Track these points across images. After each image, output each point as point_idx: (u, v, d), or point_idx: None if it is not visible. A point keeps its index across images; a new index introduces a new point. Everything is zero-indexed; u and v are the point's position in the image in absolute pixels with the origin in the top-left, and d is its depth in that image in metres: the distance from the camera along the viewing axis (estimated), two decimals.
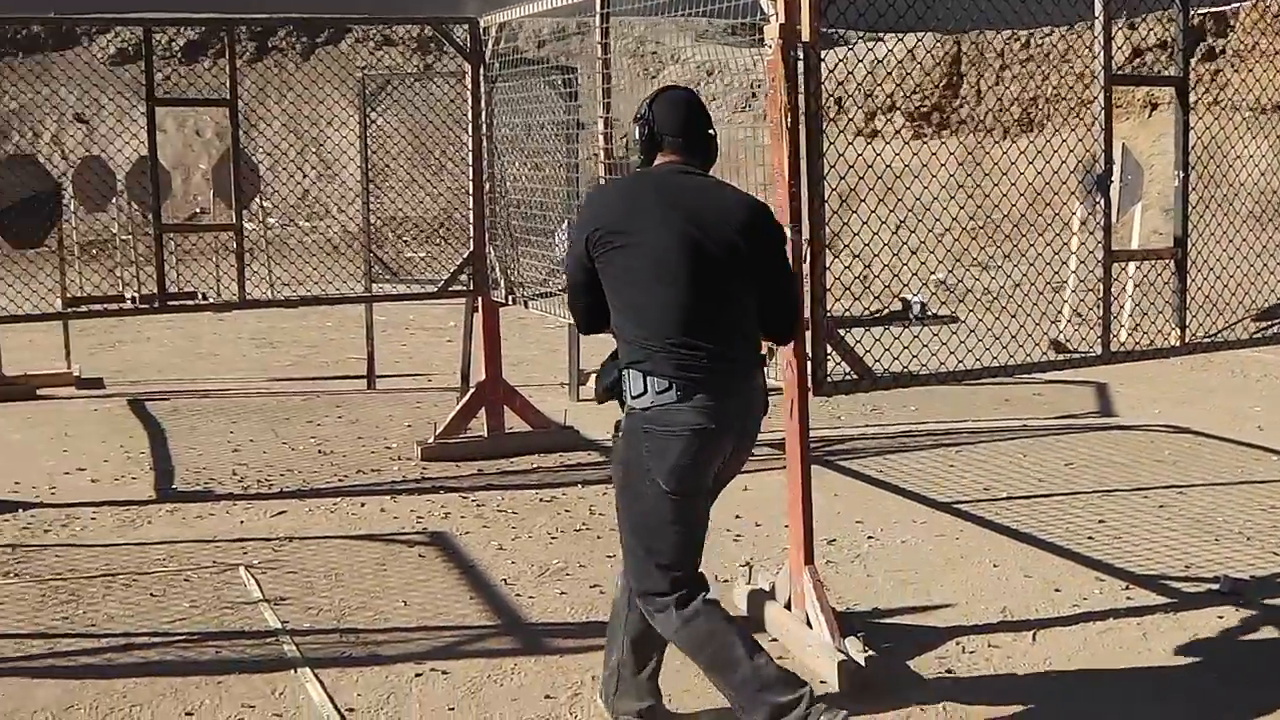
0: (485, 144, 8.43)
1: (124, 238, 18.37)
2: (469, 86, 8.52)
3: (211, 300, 8.68)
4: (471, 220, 8.54)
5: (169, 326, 14.43)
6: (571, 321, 5.44)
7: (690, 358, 4.31)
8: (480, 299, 8.67)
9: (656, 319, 4.34)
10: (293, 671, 5.24)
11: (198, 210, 22.86)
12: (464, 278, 8.61)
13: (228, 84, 8.02)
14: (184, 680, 5.19)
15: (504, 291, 8.44)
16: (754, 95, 24.88)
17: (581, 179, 8.25)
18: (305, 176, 23.30)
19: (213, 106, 8.51)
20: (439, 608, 5.97)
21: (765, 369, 4.72)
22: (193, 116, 24.38)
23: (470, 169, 8.55)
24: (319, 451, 8.84)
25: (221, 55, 25.60)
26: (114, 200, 16.22)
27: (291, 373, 11.95)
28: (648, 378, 4.34)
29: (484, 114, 8.41)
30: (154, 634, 5.73)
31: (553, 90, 8.49)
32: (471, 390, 8.79)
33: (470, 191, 8.56)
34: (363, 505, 7.57)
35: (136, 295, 16.35)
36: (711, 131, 4.67)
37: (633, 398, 4.40)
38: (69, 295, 12.57)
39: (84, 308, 11.59)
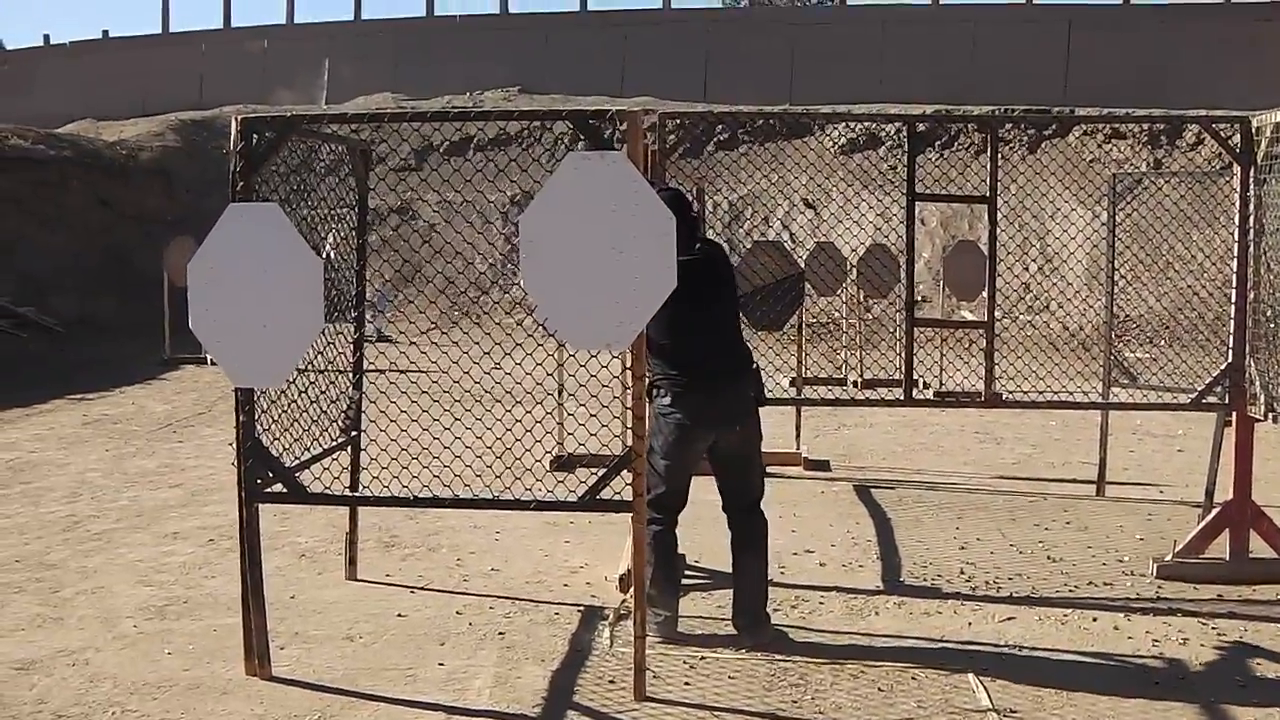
0: (1252, 249, 7.90)
1: (851, 322, 18.93)
2: (1237, 188, 8.02)
3: (959, 396, 8.51)
4: (1232, 329, 8.01)
5: (891, 413, 14.59)
6: None
7: (683, 381, 6.66)
8: (1234, 414, 8.12)
9: (667, 357, 6.65)
10: None
11: (919, 299, 23.19)
12: (1218, 389, 8.09)
13: (960, 174, 7.96)
14: None
15: (1263, 408, 7.87)
16: None
17: None
18: (1027, 270, 23.17)
19: (972, 203, 8.43)
20: None
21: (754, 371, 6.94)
22: (920, 206, 24.72)
23: (1234, 275, 8.02)
24: (1048, 558, 8.56)
25: (948, 147, 26.21)
26: (842, 285, 16.75)
27: (1015, 471, 11.71)
28: (659, 392, 6.71)
29: (1252, 217, 7.89)
30: None
31: None
32: (1217, 509, 8.24)
33: (1233, 299, 8.03)
34: (1094, 620, 7.23)
35: (859, 379, 16.87)
36: (694, 214, 7.09)
37: (654, 400, 6.74)
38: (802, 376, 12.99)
39: (817, 391, 11.88)
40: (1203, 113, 8.64)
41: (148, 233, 24.27)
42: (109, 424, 14.23)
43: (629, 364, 5.97)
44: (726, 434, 6.82)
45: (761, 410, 7.02)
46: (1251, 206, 7.95)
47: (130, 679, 6.24)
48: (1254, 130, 8.00)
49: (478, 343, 6.61)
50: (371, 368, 7.88)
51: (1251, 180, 7.96)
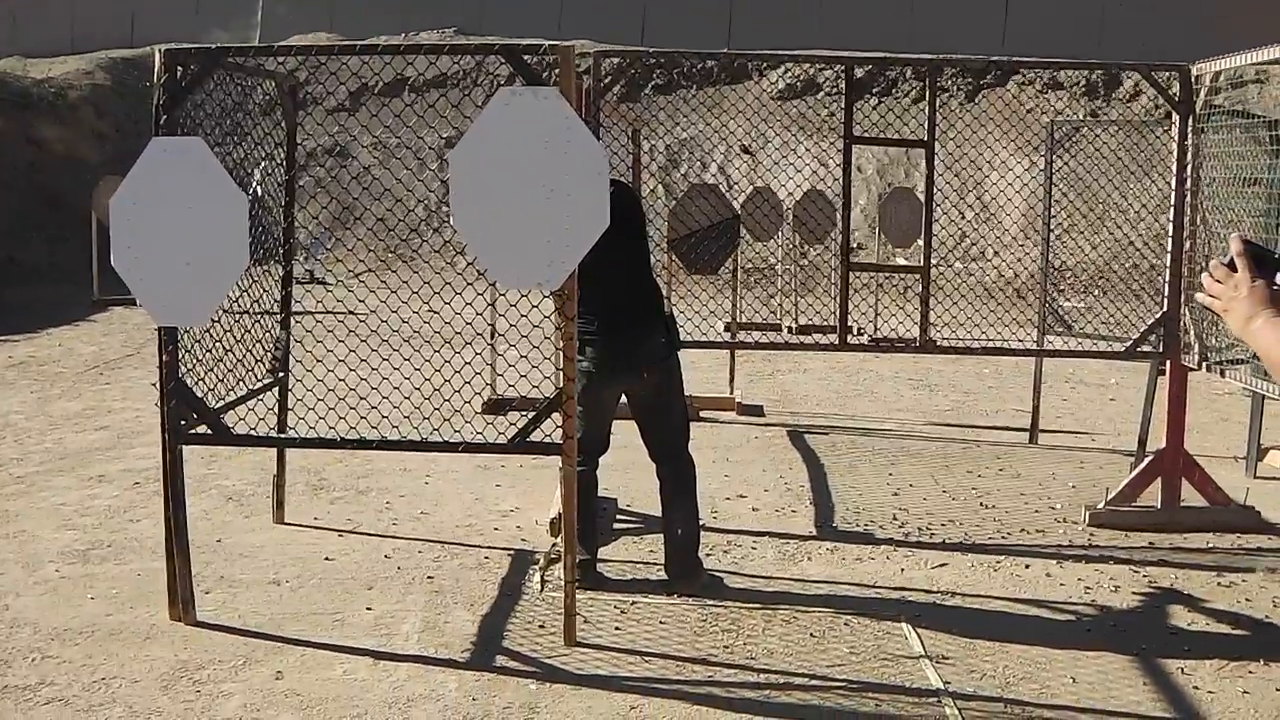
0: (1188, 199, 7.88)
1: (786, 267, 18.89)
2: (1175, 137, 8.00)
3: (893, 342, 8.46)
4: (1167, 279, 8.00)
5: (825, 360, 14.57)
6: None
7: (590, 329, 6.45)
8: (1169, 363, 8.12)
9: (583, 304, 6.17)
10: None
11: (855, 246, 23.17)
12: (1152, 338, 8.08)
13: (898, 122, 7.88)
14: None
15: (1197, 357, 7.88)
16: None
17: None
18: (964, 218, 23.17)
19: (910, 147, 8.30)
20: (1109, 690, 5.58)
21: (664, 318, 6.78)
22: (857, 154, 24.60)
23: (1170, 224, 8.00)
24: (981, 504, 8.56)
25: (886, 94, 26.15)
26: (778, 230, 16.69)
27: (949, 418, 11.70)
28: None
29: (1189, 167, 7.87)
30: (812, 676, 5.67)
31: (1256, 145, 7.86)
32: (1149, 458, 8.26)
33: (1169, 249, 8.01)
34: (1027, 567, 7.24)
35: (794, 325, 16.83)
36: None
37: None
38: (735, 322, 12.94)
39: (751, 336, 11.82)
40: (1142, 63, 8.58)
41: (76, 173, 23.84)
42: (34, 366, 13.98)
43: (560, 305, 5.86)
44: (636, 382, 6.73)
45: (694, 354, 6.95)
46: (1189, 156, 7.93)
47: (51, 624, 6.12)
48: (1194, 79, 7.97)
49: (405, 282, 6.50)
50: (300, 309, 7.74)
51: (1190, 130, 7.94)
